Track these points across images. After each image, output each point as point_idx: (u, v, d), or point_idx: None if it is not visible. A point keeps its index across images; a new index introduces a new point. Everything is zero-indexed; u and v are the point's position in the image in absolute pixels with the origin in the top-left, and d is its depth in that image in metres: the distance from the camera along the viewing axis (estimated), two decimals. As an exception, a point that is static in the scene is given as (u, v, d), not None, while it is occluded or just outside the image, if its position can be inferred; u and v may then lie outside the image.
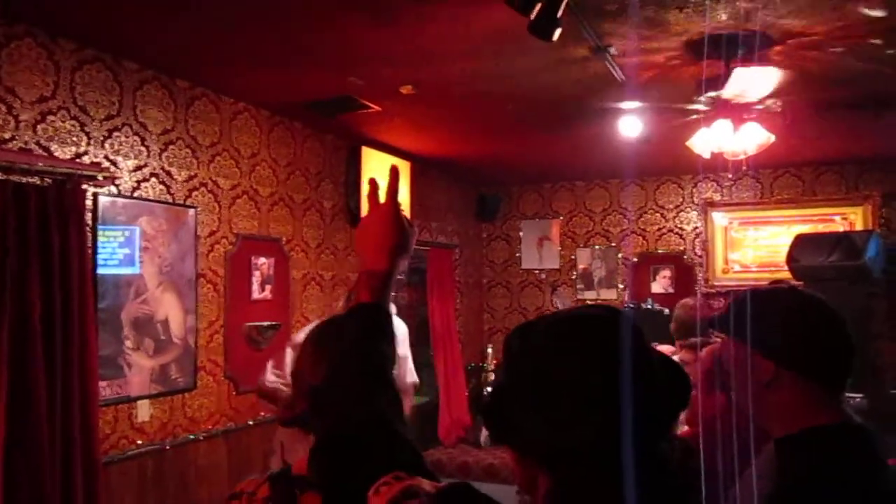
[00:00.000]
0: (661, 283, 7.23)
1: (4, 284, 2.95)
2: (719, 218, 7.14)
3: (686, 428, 1.73)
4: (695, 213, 7.23)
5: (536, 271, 7.85)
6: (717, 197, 7.14)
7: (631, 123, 4.37)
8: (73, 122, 3.41)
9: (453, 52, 3.67)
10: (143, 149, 3.78)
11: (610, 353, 0.86)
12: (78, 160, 3.41)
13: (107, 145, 3.58)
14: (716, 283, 6.98)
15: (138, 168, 3.76)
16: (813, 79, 3.97)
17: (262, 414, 4.39)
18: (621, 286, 7.43)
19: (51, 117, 3.30)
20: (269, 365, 3.63)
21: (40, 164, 3.16)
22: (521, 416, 0.88)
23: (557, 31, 2.67)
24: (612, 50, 3.55)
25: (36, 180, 3.14)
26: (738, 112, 3.77)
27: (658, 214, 7.38)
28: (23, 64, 3.19)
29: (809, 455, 1.34)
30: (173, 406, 3.92)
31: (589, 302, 7.34)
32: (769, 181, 6.94)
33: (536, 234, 7.85)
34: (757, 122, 3.85)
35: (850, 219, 6.63)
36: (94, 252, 3.44)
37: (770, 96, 3.83)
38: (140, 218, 3.73)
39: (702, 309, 3.79)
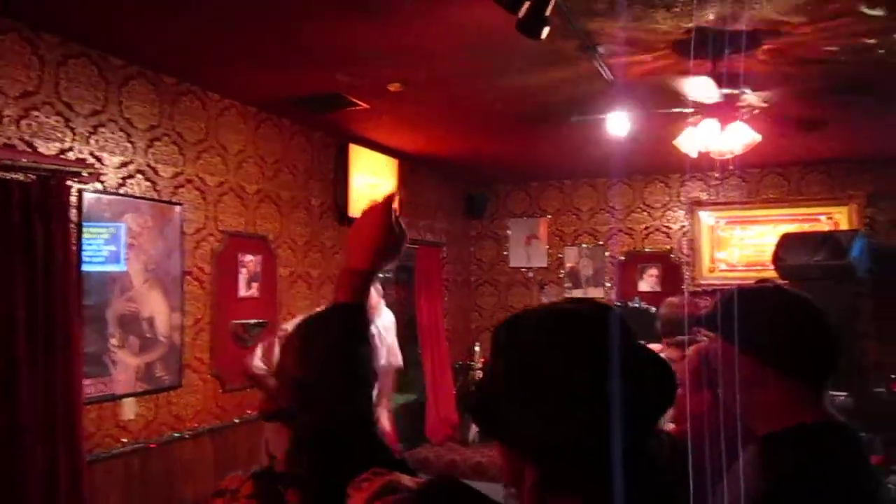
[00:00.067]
0: (648, 282, 7.26)
1: (-13, 281, 2.93)
2: (706, 217, 7.17)
3: (672, 426, 1.74)
4: (682, 212, 7.26)
5: (524, 270, 7.86)
6: (703, 196, 7.17)
7: (618, 122, 4.38)
8: (57, 117, 3.37)
9: (442, 50, 3.67)
10: (128, 145, 3.75)
11: (598, 348, 0.86)
12: (62, 156, 3.38)
13: (92, 141, 3.55)
14: (702, 282, 7.01)
15: (124, 164, 3.73)
16: (799, 78, 3.99)
17: (249, 412, 4.37)
18: (608, 284, 7.45)
19: (35, 113, 3.27)
20: (258, 350, 3.65)
21: (24, 160, 3.13)
22: (508, 409, 0.88)
23: (546, 30, 2.67)
24: (601, 49, 3.55)
25: (20, 176, 3.10)
26: (724, 111, 3.78)
27: (645, 213, 7.41)
28: (6, 58, 3.16)
29: (793, 453, 1.35)
30: (159, 404, 3.89)
31: (576, 300, 7.34)
32: (756, 181, 6.97)
33: (524, 232, 7.86)
34: (744, 122, 3.86)
35: (836, 218, 6.68)
36: (79, 249, 3.41)
37: (757, 95, 3.85)
38: (126, 215, 3.70)
39: (688, 307, 3.80)
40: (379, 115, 4.89)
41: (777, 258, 5.81)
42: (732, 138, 3.82)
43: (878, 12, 3.07)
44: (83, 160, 3.47)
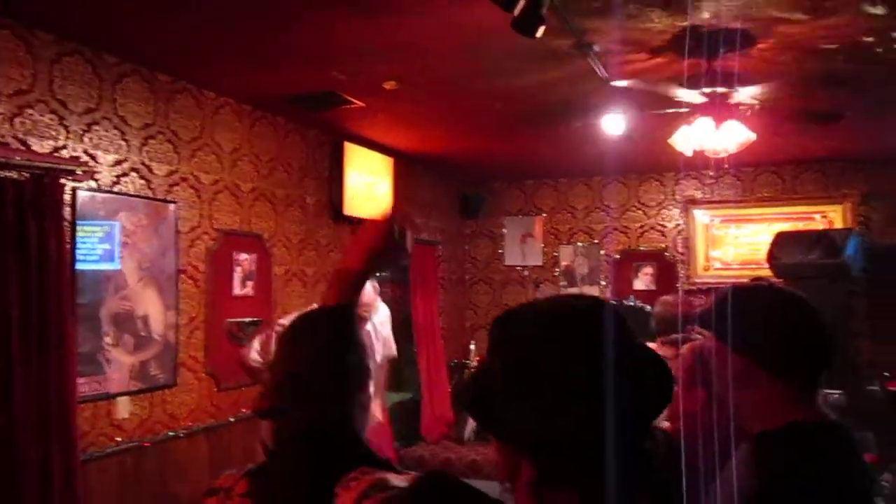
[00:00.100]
0: (642, 280, 7.27)
1: (-19, 280, 2.92)
2: (701, 215, 7.18)
3: (667, 424, 1.74)
4: (677, 210, 7.27)
5: (519, 268, 7.86)
6: (698, 195, 7.18)
7: (614, 121, 4.38)
8: (51, 115, 3.36)
9: (437, 48, 3.66)
10: (122, 143, 3.74)
11: (595, 344, 0.86)
12: (56, 154, 3.36)
13: (86, 139, 3.53)
14: (697, 281, 7.03)
15: (118, 162, 3.72)
16: (793, 77, 4.00)
17: (244, 410, 4.37)
18: (604, 283, 7.46)
19: (29, 111, 3.26)
20: (256, 342, 3.65)
21: (17, 158, 3.12)
22: (505, 404, 0.88)
23: (541, 28, 2.67)
24: (596, 47, 3.55)
25: (13, 174, 3.09)
26: (719, 110, 3.79)
27: (640, 212, 7.41)
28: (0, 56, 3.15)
29: (786, 452, 1.35)
30: (153, 403, 3.89)
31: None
32: (750, 179, 6.99)
33: (519, 230, 7.86)
34: (738, 120, 3.87)
35: (830, 217, 6.70)
36: (73, 247, 3.40)
37: (751, 94, 3.86)
38: (120, 213, 3.69)
39: (682, 305, 3.81)
40: (374, 113, 4.88)
41: (772, 257, 5.83)
42: (727, 137, 3.83)
43: (878, 10, 3.07)
44: (77, 158, 3.46)
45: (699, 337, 1.84)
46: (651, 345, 3.37)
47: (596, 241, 7.56)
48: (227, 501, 1.38)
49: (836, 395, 4.49)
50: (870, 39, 3.45)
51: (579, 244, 7.62)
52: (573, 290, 7.56)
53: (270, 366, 1.55)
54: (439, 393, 6.87)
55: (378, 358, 4.18)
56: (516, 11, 2.61)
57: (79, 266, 3.42)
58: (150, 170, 3.91)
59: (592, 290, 7.46)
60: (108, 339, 3.61)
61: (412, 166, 6.64)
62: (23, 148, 3.21)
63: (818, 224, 6.62)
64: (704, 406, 1.48)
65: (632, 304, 6.63)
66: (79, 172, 3.40)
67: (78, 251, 3.43)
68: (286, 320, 3.44)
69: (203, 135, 4.29)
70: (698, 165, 4.66)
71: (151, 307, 3.86)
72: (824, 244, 5.63)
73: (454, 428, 6.88)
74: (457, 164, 6.98)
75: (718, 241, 7.13)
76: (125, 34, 3.49)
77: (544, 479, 0.86)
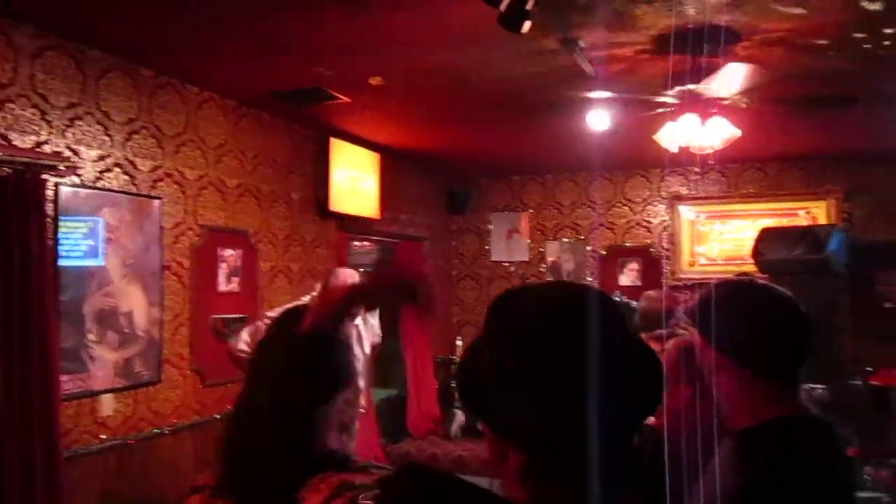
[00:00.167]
0: (628, 276, 7.30)
1: (-39, 276, 2.89)
2: (686, 211, 7.22)
3: (652, 419, 1.75)
4: (662, 206, 7.30)
5: (506, 264, 7.87)
6: (684, 191, 7.21)
7: (599, 117, 4.39)
8: (33, 110, 3.33)
9: (423, 43, 3.65)
10: (106, 138, 3.71)
11: (595, 338, 0.85)
12: (38, 149, 3.33)
13: (68, 134, 3.50)
14: (682, 276, 7.06)
15: (101, 158, 3.68)
16: (778, 74, 4.02)
17: (229, 407, 4.34)
18: (590, 279, 7.48)
19: (9, 105, 3.22)
20: (245, 332, 3.64)
21: (-1, 153, 3.09)
22: (496, 394, 0.87)
23: (527, 24, 2.67)
24: (581, 43, 3.55)
25: (-6, 170, 3.06)
26: (704, 106, 3.80)
27: (626, 208, 7.44)
28: (-20, 50, 3.11)
29: (769, 447, 1.36)
30: (137, 400, 3.86)
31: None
32: (735, 175, 7.02)
33: (506, 226, 7.87)
34: (723, 116, 3.88)
35: (814, 213, 6.74)
36: (56, 244, 3.37)
37: (736, 92, 3.87)
38: (103, 209, 3.66)
39: (666, 301, 3.83)
40: (360, 108, 4.87)
41: (756, 252, 5.86)
42: (712, 133, 3.85)
43: (875, 6, 3.08)
44: (60, 153, 3.43)
45: (683, 332, 1.85)
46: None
47: (582, 237, 7.58)
48: (210, 499, 1.38)
49: (820, 390, 4.53)
50: (860, 35, 3.46)
51: (565, 240, 7.64)
52: (559, 286, 7.55)
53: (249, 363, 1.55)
54: (426, 389, 6.87)
55: (367, 348, 4.18)
56: (502, 7, 2.61)
57: (62, 262, 3.38)
58: (133, 165, 3.87)
59: (578, 286, 7.46)
60: (91, 336, 3.58)
61: (399, 162, 6.63)
62: (4, 143, 3.18)
63: (802, 220, 6.66)
64: (689, 403, 1.49)
65: (618, 299, 6.65)
66: (61, 168, 3.36)
67: (61, 247, 3.39)
68: (274, 313, 3.44)
69: (187, 130, 4.26)
70: (684, 162, 4.68)
71: (135, 304, 3.84)
72: (808, 240, 5.67)
73: (441, 424, 6.89)
74: (443, 160, 6.98)
75: (703, 236, 7.17)
76: (108, 28, 3.45)
77: (532, 469, 0.86)
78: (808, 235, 5.74)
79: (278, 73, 4.13)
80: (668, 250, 7.22)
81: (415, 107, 4.95)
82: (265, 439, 1.25)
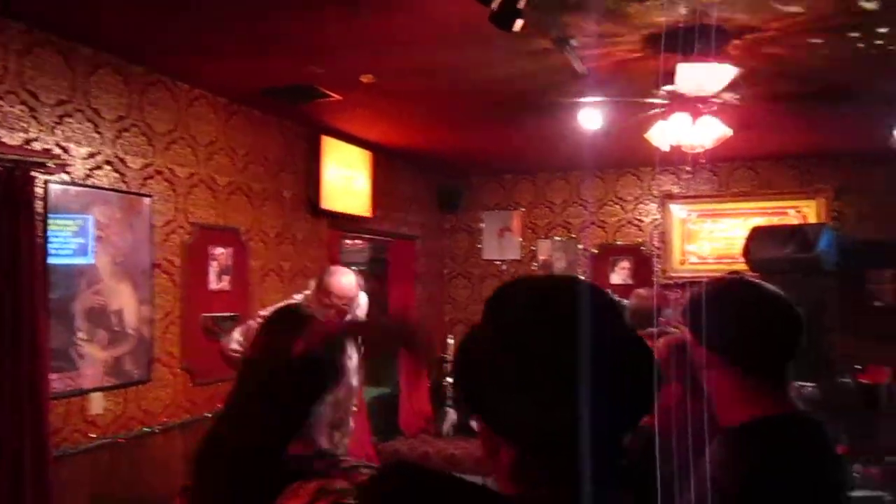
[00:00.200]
0: (619, 274, 7.31)
1: (-51, 274, 2.87)
2: (677, 210, 7.23)
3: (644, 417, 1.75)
4: (653, 205, 7.31)
5: (497, 262, 7.87)
6: (675, 189, 7.22)
7: (591, 116, 4.39)
8: (22, 107, 3.30)
9: (415, 41, 3.65)
10: (96, 135, 3.69)
11: (593, 337, 0.84)
12: (27, 147, 3.31)
13: (58, 131, 3.48)
14: (673, 275, 7.07)
15: (91, 155, 3.66)
16: (769, 73, 4.03)
17: (220, 406, 4.33)
18: (581, 277, 7.47)
19: (-1, 102, 3.20)
20: (237, 332, 3.62)
21: (-13, 150, 3.07)
22: (489, 387, 0.86)
23: (519, 23, 2.66)
24: (574, 42, 3.55)
25: (-17, 167, 3.04)
26: (695, 106, 3.81)
27: (617, 206, 7.45)
28: (-32, 46, 3.09)
29: (759, 445, 1.36)
30: (128, 398, 3.84)
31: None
32: (726, 174, 7.04)
33: (498, 225, 7.87)
34: (714, 115, 3.89)
35: (804, 212, 6.76)
36: (45, 241, 3.35)
37: (727, 90, 3.88)
38: (93, 206, 3.64)
39: (657, 299, 3.84)
40: (352, 106, 4.86)
41: (747, 251, 5.88)
42: (703, 132, 3.85)
43: (871, 5, 3.09)
44: (49, 151, 3.41)
45: (674, 330, 1.85)
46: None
47: (573, 235, 7.59)
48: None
49: (810, 388, 4.55)
50: (854, 35, 3.47)
51: (557, 239, 7.64)
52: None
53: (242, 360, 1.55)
54: (417, 387, 6.86)
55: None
56: (494, 5, 2.61)
57: (51, 260, 3.37)
58: (124, 163, 3.86)
59: (570, 285, 7.47)
60: (81, 335, 3.56)
61: (391, 160, 6.62)
62: (-7, 140, 3.16)
63: (792, 219, 6.68)
64: (680, 401, 1.49)
65: (609, 298, 6.65)
66: (50, 165, 3.35)
67: (50, 245, 3.38)
68: (266, 312, 3.42)
69: (178, 127, 4.24)
70: (675, 161, 4.69)
71: (125, 302, 3.82)
72: (798, 239, 5.69)
73: (433, 422, 6.89)
74: (435, 159, 6.97)
75: (694, 235, 7.18)
76: (98, 25, 3.43)
77: (522, 464, 0.86)
78: (799, 234, 5.76)
79: (270, 70, 4.11)
80: (659, 249, 7.24)
81: (407, 105, 4.94)
82: (256, 438, 1.26)
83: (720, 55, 3.63)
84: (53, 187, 3.42)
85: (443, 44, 3.67)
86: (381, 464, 1.19)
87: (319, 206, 5.52)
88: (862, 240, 6.26)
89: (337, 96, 4.56)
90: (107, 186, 3.74)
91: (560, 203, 7.65)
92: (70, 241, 3.52)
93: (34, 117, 3.36)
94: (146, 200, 3.98)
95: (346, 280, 3.69)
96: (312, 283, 3.78)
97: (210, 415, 4.32)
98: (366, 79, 4.19)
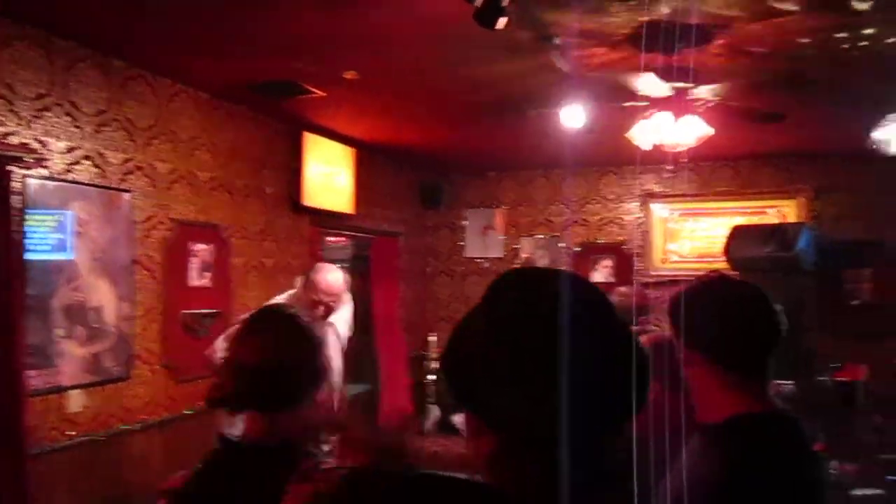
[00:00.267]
0: (601, 273, 7.34)
1: (-76, 270, 2.83)
2: (659, 209, 7.27)
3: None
4: (635, 203, 7.35)
5: (480, 260, 7.88)
6: (657, 188, 7.26)
7: (573, 114, 4.40)
8: (-1, 100, 3.27)
9: (398, 38, 3.64)
10: (75, 130, 3.65)
11: (587, 335, 0.84)
12: (5, 141, 3.26)
13: (36, 125, 3.43)
14: (654, 273, 7.11)
15: (70, 150, 3.62)
16: (751, 74, 4.06)
17: (200, 403, 4.30)
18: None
19: (-25, 95, 3.16)
20: (221, 340, 3.60)
21: (-36, 144, 3.03)
22: (472, 373, 0.86)
23: (502, 20, 2.67)
24: (557, 40, 3.56)
25: (-41, 161, 3.00)
26: (678, 105, 3.83)
27: (599, 205, 7.48)
28: (-55, 38, 3.05)
29: (738, 443, 1.38)
30: (107, 396, 3.81)
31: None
32: (708, 173, 7.09)
33: (480, 222, 7.88)
34: (697, 115, 3.91)
35: (784, 211, 6.83)
36: (23, 237, 3.31)
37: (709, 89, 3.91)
38: (72, 202, 3.60)
39: (637, 297, 3.86)
40: (335, 103, 4.84)
41: (728, 250, 5.92)
42: (685, 131, 3.87)
43: (864, 6, 3.11)
44: (27, 145, 3.36)
45: (655, 328, 1.86)
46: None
47: (556, 233, 7.61)
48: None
49: (788, 386, 4.59)
50: (840, 35, 3.50)
51: (539, 236, 7.66)
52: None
53: (226, 358, 1.54)
54: (399, 385, 6.86)
55: (344, 336, 4.16)
56: (478, 2, 2.61)
57: (29, 256, 3.32)
58: (103, 158, 3.82)
59: (552, 283, 7.49)
60: (59, 331, 3.52)
61: (373, 157, 6.61)
62: (-31, 134, 3.11)
63: (772, 218, 6.74)
64: (658, 399, 1.50)
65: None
66: (28, 160, 3.31)
67: (28, 241, 3.33)
68: (247, 315, 3.41)
69: (159, 123, 4.20)
70: (657, 159, 4.71)
71: (105, 298, 3.78)
72: (778, 238, 5.74)
73: (414, 420, 6.89)
74: (419, 156, 6.97)
75: (675, 234, 7.23)
76: (78, 18, 3.40)
77: (500, 453, 0.86)
78: (778, 233, 5.81)
79: (253, 66, 4.09)
80: (640, 247, 7.28)
81: (390, 102, 4.93)
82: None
83: (702, 55, 3.66)
84: (31, 182, 3.38)
85: (427, 41, 3.66)
86: (350, 468, 1.19)
87: (301, 203, 5.50)
88: (840, 240, 6.34)
89: (320, 93, 4.54)
90: (86, 181, 3.70)
91: (543, 201, 7.67)
92: (48, 236, 3.48)
93: (12, 111, 3.31)
94: (126, 196, 3.94)
95: (333, 277, 3.71)
96: (298, 282, 3.77)
97: (190, 412, 4.30)
98: (349, 75, 4.18)
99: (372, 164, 6.60)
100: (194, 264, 4.46)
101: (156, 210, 4.17)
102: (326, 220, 5.94)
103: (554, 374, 0.81)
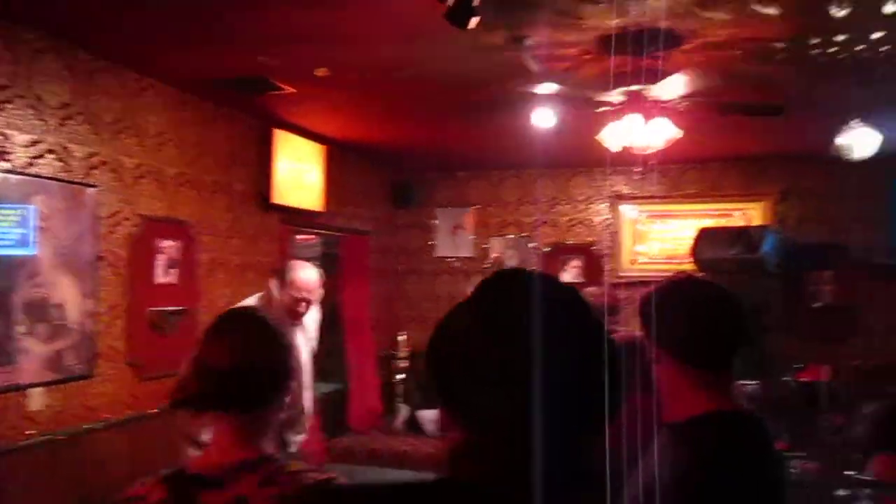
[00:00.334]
0: (570, 273, 7.38)
1: None
2: (628, 211, 7.34)
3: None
4: (604, 205, 7.40)
5: (450, 259, 7.88)
6: (626, 190, 7.33)
7: (544, 114, 4.42)
8: (-40, 91, 3.19)
9: (370, 35, 3.63)
10: (38, 122, 3.57)
11: (569, 336, 0.86)
12: (-35, 133, 3.19)
13: (-2, 118, 3.36)
14: (623, 274, 7.17)
15: (33, 143, 3.55)
16: (720, 76, 4.11)
17: (166, 402, 4.24)
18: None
19: (-65, 86, 3.08)
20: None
21: (-78, 135, 2.95)
22: (465, 382, 0.87)
23: (474, 20, 2.67)
24: (528, 41, 3.57)
25: (-83, 153, 2.92)
26: (647, 107, 3.87)
27: (569, 206, 7.53)
28: None
29: (702, 441, 1.39)
30: (69, 394, 3.74)
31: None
32: (676, 176, 7.17)
33: (451, 222, 7.88)
34: (666, 117, 3.95)
35: (749, 214, 6.93)
36: (-17, 231, 3.24)
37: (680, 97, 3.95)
38: (35, 196, 3.53)
39: (607, 298, 3.89)
40: (305, 100, 4.81)
41: (695, 252, 6.00)
42: (654, 134, 3.91)
43: (841, 13, 3.16)
44: (-12, 138, 3.29)
45: (622, 329, 1.88)
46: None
47: (526, 233, 7.64)
48: None
49: (752, 386, 4.66)
50: (812, 41, 3.56)
51: (510, 236, 7.69)
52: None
53: (194, 358, 1.52)
54: (368, 384, 6.83)
55: (313, 346, 4.13)
56: (449, 2, 2.61)
57: (-11, 251, 3.26)
58: (67, 151, 3.74)
59: (522, 283, 7.52)
60: (20, 328, 3.45)
61: (344, 155, 6.57)
62: (-72, 125, 3.04)
63: (738, 221, 6.84)
64: (630, 397, 1.51)
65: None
66: (-10, 153, 3.23)
67: (-12, 235, 3.27)
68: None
69: (125, 117, 4.14)
70: (626, 161, 4.75)
71: (68, 295, 3.71)
72: (743, 241, 5.83)
73: (383, 418, 6.87)
74: (389, 154, 6.95)
75: (644, 235, 7.30)
76: (42, 7, 3.33)
77: (467, 446, 0.87)
78: (744, 236, 5.90)
79: (222, 61, 4.04)
80: (609, 248, 7.34)
81: (361, 100, 4.91)
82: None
83: (671, 59, 3.70)
84: (-8, 175, 3.31)
85: (398, 39, 3.65)
86: (301, 486, 1.19)
87: (271, 200, 5.45)
88: (803, 243, 6.45)
89: (290, 89, 4.51)
90: (49, 175, 3.63)
91: (513, 201, 7.69)
92: (10, 231, 3.40)
93: (-27, 102, 3.24)
94: (91, 191, 3.87)
95: (310, 273, 3.73)
96: (273, 284, 3.73)
97: (155, 411, 4.23)
98: (320, 72, 4.15)
99: (343, 161, 6.57)
100: (161, 261, 4.40)
101: (121, 206, 4.11)
102: (296, 217, 5.90)
103: (536, 374, 0.82)
